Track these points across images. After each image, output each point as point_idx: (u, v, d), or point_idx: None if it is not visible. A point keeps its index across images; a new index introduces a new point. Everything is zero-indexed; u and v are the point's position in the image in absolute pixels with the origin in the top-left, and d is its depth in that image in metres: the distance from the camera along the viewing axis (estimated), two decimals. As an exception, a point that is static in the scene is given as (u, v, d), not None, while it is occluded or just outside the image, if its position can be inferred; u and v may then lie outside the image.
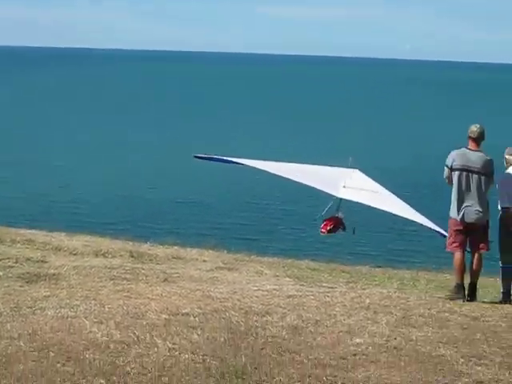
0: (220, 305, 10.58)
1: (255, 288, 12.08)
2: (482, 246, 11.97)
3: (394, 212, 12.66)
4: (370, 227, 35.49)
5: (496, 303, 11.91)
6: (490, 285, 14.36)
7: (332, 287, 12.68)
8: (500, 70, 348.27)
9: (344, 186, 12.27)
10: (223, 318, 9.81)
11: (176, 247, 17.09)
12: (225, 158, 14.55)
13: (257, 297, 11.29)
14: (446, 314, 10.65)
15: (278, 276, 13.82)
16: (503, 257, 12.20)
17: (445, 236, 12.44)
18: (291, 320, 9.90)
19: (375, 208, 12.54)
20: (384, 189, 12.78)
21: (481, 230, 11.92)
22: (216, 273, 13.71)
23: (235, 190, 43.30)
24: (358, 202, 12.30)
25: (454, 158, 11.87)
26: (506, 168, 12.11)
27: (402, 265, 17.54)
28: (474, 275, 12.12)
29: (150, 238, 19.08)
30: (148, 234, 23.58)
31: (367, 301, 11.33)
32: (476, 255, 12.01)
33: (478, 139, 11.84)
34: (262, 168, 13.11)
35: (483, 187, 11.76)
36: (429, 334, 9.52)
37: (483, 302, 12.08)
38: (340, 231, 12.43)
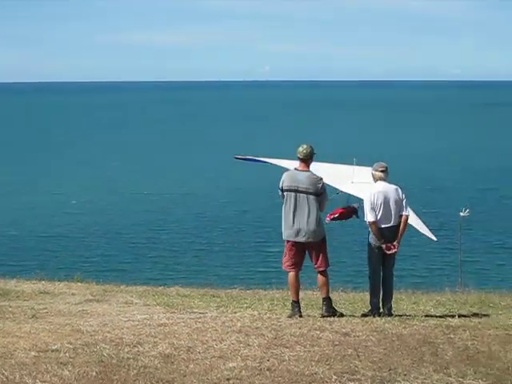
0: (90, 338, 10.35)
1: (125, 319, 11.91)
2: (319, 263, 12.16)
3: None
4: (240, 249, 35.86)
5: (366, 317, 12.13)
6: (360, 299, 14.66)
7: (203, 312, 12.63)
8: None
9: (352, 182, 13.65)
10: (94, 352, 9.59)
11: (43, 282, 16.73)
12: (257, 158, 16.32)
13: (127, 327, 11.13)
14: (317, 332, 10.77)
15: (148, 305, 13.67)
16: (371, 271, 12.49)
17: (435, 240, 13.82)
18: (163, 349, 9.78)
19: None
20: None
21: (316, 248, 12.10)
22: (85, 305, 13.44)
23: (99, 221, 42.70)
24: (356, 196, 13.44)
25: (284, 179, 12.10)
26: (374, 183, 12.40)
27: (273, 285, 17.62)
28: (322, 291, 12.36)
29: (17, 274, 18.57)
30: (14, 271, 22.91)
31: (238, 324, 11.33)
32: (319, 273, 12.26)
33: (306, 159, 12.02)
34: (286, 166, 13.90)
35: (314, 206, 11.92)
36: (301, 353, 9.59)
37: (353, 316, 12.30)
38: (354, 217, 13.56)
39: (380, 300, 12.53)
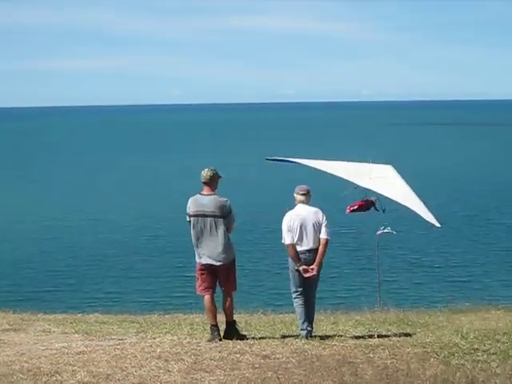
0: (7, 368, 10.12)
1: (43, 347, 11.68)
2: (226, 287, 12.21)
3: (398, 201, 14.48)
4: (158, 275, 35.61)
5: (286, 339, 12.15)
6: (280, 321, 14.67)
7: (122, 339, 12.48)
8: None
9: (370, 178, 14.57)
10: (11, 382, 9.39)
11: (-44, 313, 16.25)
12: (289, 159, 17.04)
13: (45, 356, 10.91)
14: (237, 355, 10.75)
15: (66, 333, 13.43)
16: (292, 294, 12.48)
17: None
18: (82, 377, 9.63)
19: (385, 197, 14.72)
20: (403, 183, 14.79)
21: (224, 270, 12.12)
22: (2, 335, 13.13)
23: (14, 249, 41.89)
24: (373, 191, 14.72)
25: (190, 204, 12.12)
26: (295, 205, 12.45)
27: (192, 309, 17.51)
28: (227, 315, 12.37)
29: None
30: None
31: (158, 350, 11.24)
32: (225, 296, 12.28)
33: (210, 182, 12.09)
34: (313, 166, 15.54)
35: (221, 229, 11.96)
36: (221, 377, 9.55)
37: (273, 338, 12.30)
38: (373, 209, 15.08)
39: (309, 319, 12.51)
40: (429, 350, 11.10)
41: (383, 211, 15.50)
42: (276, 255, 34.76)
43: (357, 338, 12.36)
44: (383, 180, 14.47)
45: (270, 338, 12.34)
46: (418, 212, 14.38)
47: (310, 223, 12.11)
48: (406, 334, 12.69)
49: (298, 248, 12.13)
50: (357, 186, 14.96)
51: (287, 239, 12.17)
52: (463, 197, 59.42)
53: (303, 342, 11.76)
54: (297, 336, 12.28)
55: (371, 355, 10.80)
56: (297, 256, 12.12)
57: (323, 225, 12.15)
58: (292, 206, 12.32)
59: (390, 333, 12.90)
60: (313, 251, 12.10)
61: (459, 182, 68.28)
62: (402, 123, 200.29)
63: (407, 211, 14.75)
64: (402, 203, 14.44)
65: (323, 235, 12.11)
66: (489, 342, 11.68)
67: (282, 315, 16.05)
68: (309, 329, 12.30)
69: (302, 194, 12.35)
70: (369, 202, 15.24)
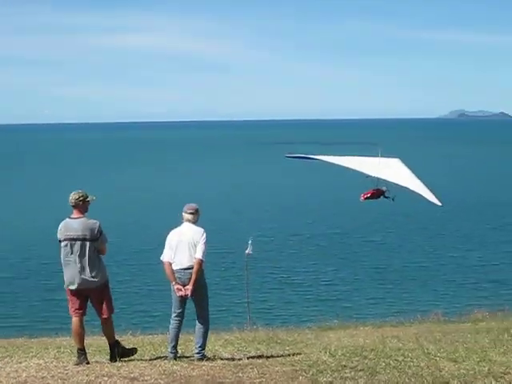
0: None
1: None
2: (102, 310, 12.00)
3: (405, 185, 16.16)
4: (24, 298, 34.65)
5: (155, 360, 12.00)
6: (148, 342, 14.49)
7: (-14, 365, 12.02)
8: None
9: (379, 168, 16.21)
10: None
11: None
12: (309, 156, 18.74)
13: None
14: (105, 378, 10.54)
15: None
16: (172, 311, 12.29)
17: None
18: None
19: (393, 183, 16.32)
20: (408, 171, 16.53)
21: (97, 294, 11.95)
22: None
23: None
24: (382, 179, 16.30)
25: (60, 229, 11.91)
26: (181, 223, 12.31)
27: (59, 332, 17.09)
28: (107, 337, 12.17)
29: None
30: None
31: (24, 374, 10.90)
32: (102, 319, 12.07)
33: (77, 206, 11.90)
34: (331, 161, 17.20)
35: (92, 252, 11.79)
36: (86, 402, 9.33)
37: (142, 360, 12.12)
38: (382, 198, 16.72)
39: (177, 343, 12.34)
40: (297, 368, 11.18)
41: (393, 199, 17.01)
42: (147, 276, 34.49)
43: (226, 357, 12.34)
44: (390, 169, 16.26)
45: (138, 359, 12.15)
46: (421, 193, 16.09)
47: (188, 242, 11.99)
48: (276, 353, 12.76)
49: (175, 267, 12.03)
50: (368, 176, 16.51)
51: (165, 256, 12.06)
52: (331, 214, 60.56)
53: (172, 363, 11.64)
54: (166, 357, 12.15)
55: (240, 375, 10.79)
56: (172, 274, 12.00)
57: (200, 244, 12.04)
58: (179, 224, 12.23)
59: (259, 352, 12.95)
60: (188, 270, 11.98)
61: (333, 202, 69.61)
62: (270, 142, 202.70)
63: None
64: (406, 186, 16.09)
65: (198, 255, 11.99)
66: (356, 358, 11.88)
67: (150, 336, 15.87)
68: (198, 350, 12.12)
69: (190, 213, 12.22)
70: (380, 191, 16.90)
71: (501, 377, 10.41)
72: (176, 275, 12.01)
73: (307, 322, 21.72)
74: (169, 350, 12.25)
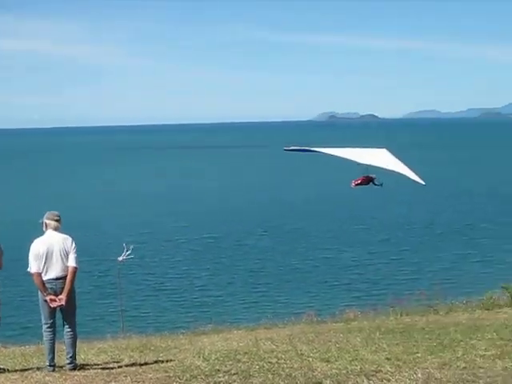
0: None
1: None
2: None
3: (389, 167, 17.36)
4: None
5: (26, 372, 11.63)
6: (20, 354, 14.07)
7: None
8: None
9: (367, 156, 17.80)
10: None
11: None
12: (308, 148, 19.81)
13: None
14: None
15: None
16: (44, 323, 11.93)
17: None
18: None
19: (379, 166, 17.47)
20: (394, 158, 17.97)
21: None
22: None
23: None
24: (373, 165, 17.58)
25: None
26: (44, 232, 11.90)
27: None
28: None
29: None
30: None
31: None
32: None
33: None
34: (327, 152, 18.82)
35: None
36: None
37: (13, 372, 11.70)
38: (371, 185, 18.13)
39: (55, 355, 11.98)
40: (171, 375, 11.08)
41: (381, 185, 18.28)
42: (17, 287, 33.55)
43: (99, 366, 12.11)
44: (377, 156, 17.81)
45: (9, 371, 11.76)
46: (406, 174, 17.35)
47: (59, 251, 11.63)
48: (149, 360, 12.61)
49: (45, 277, 11.64)
50: (358, 163, 17.65)
51: (33, 267, 11.61)
52: (205, 220, 60.56)
53: (44, 373, 11.33)
54: (38, 368, 11.80)
55: (113, 383, 10.62)
56: (43, 285, 11.62)
57: (72, 252, 11.71)
58: (41, 234, 11.84)
59: (132, 359, 12.76)
60: (60, 280, 11.63)
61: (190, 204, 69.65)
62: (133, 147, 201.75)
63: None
64: (392, 168, 17.34)
65: (71, 263, 11.63)
66: (230, 362, 11.88)
67: (22, 348, 15.43)
68: (69, 361, 11.81)
69: (56, 220, 11.85)
70: (369, 178, 18.14)
71: (372, 375, 10.61)
72: (47, 286, 11.58)
73: (181, 327, 21.59)
74: (47, 363, 11.83)
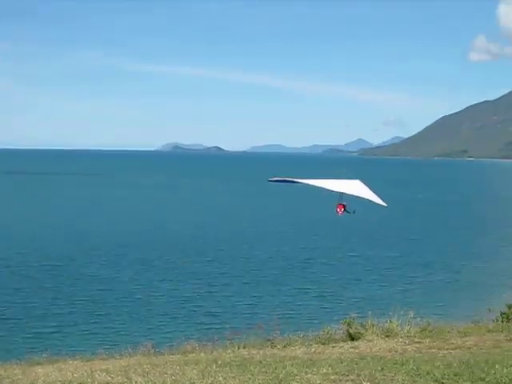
0: None
1: None
2: None
3: (356, 194, 20.12)
4: None
5: None
6: None
7: None
8: None
9: (343, 187, 20.47)
10: None
11: None
12: (291, 179, 22.00)
13: None
14: None
15: None
16: None
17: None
18: None
19: (350, 194, 20.16)
20: (367, 188, 20.69)
21: None
22: None
23: None
24: (347, 193, 20.28)
25: None
26: None
27: None
28: None
29: None
30: None
31: None
32: None
33: None
34: (308, 182, 21.26)
35: None
36: None
37: None
38: (345, 212, 20.53)
39: None
40: None
41: (353, 212, 20.45)
42: None
43: None
44: (349, 186, 20.57)
45: None
46: (371, 199, 20.16)
47: None
48: None
49: None
50: (333, 191, 20.29)
51: None
52: (47, 246, 59.07)
53: None
54: None
55: None
56: None
57: None
58: None
59: None
60: None
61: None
62: None
63: None
64: (359, 195, 19.95)
65: None
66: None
67: None
68: None
69: None
70: (343, 206, 20.54)
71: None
72: None
73: (15, 357, 20.84)
74: None
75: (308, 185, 21.60)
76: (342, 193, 20.47)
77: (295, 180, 21.96)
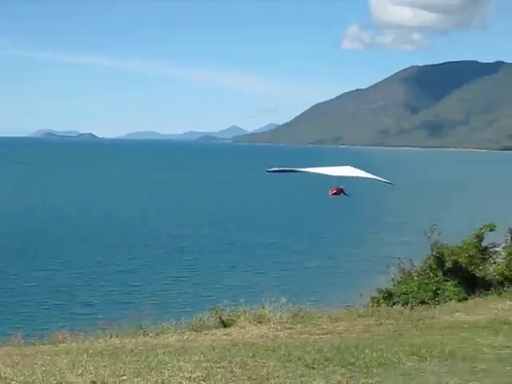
0: None
1: None
2: None
3: (360, 175, 22.10)
4: None
5: None
6: None
7: None
8: None
9: (338, 171, 21.94)
10: None
11: None
12: (290, 168, 23.80)
13: None
14: None
15: None
16: None
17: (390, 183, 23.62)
18: None
19: (350, 176, 21.90)
20: (360, 170, 22.34)
21: None
22: None
23: None
24: (344, 176, 21.79)
25: None
26: None
27: None
28: None
29: None
30: None
31: None
32: None
33: None
34: (306, 170, 23.02)
35: None
36: None
37: None
38: (342, 195, 21.90)
39: None
40: None
41: (348, 195, 21.89)
42: None
43: None
44: (346, 170, 21.91)
45: None
46: (375, 178, 22.75)
47: None
48: None
49: None
50: (332, 176, 21.59)
51: None
52: None
53: None
54: None
55: None
56: None
57: None
58: None
59: None
60: None
61: None
62: None
63: None
64: (363, 176, 22.03)
65: None
66: None
67: None
68: None
69: None
70: (340, 189, 21.89)
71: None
72: None
73: None
74: None
75: (308, 172, 23.32)
76: (343, 176, 21.94)
77: (294, 169, 23.56)
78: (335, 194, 22.09)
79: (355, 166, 22.85)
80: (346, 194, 22.04)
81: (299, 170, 23.25)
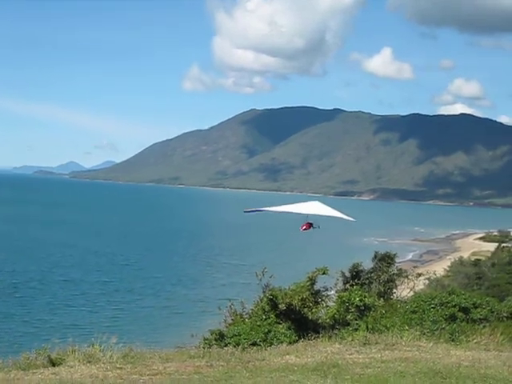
0: None
1: None
2: None
3: (322, 213, 23.42)
4: None
5: None
6: None
7: None
8: None
9: (306, 208, 23.83)
10: None
11: None
12: (266, 209, 25.95)
13: None
14: None
15: None
16: None
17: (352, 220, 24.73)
18: None
19: (315, 214, 23.39)
20: (325, 205, 23.96)
21: None
22: None
23: None
24: (311, 214, 23.45)
25: None
26: None
27: None
28: None
29: None
30: None
31: None
32: None
33: None
34: (279, 210, 24.63)
35: None
36: None
37: None
38: (312, 228, 23.51)
39: None
40: None
41: (319, 227, 23.45)
42: None
43: None
44: (312, 207, 23.71)
45: None
46: (337, 215, 23.68)
47: None
48: None
49: None
50: (302, 214, 23.32)
51: None
52: None
53: None
54: None
55: None
56: None
57: None
58: None
59: None
60: None
61: None
62: None
63: None
64: (324, 214, 23.27)
65: None
66: None
67: None
68: None
69: None
70: (309, 224, 23.61)
71: None
72: None
73: None
74: None
75: (280, 212, 25.08)
76: (310, 214, 23.68)
77: (267, 209, 25.83)
78: (306, 228, 23.93)
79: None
80: (314, 227, 23.90)
81: (272, 209, 25.19)
